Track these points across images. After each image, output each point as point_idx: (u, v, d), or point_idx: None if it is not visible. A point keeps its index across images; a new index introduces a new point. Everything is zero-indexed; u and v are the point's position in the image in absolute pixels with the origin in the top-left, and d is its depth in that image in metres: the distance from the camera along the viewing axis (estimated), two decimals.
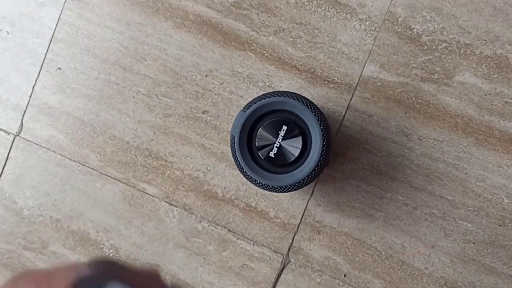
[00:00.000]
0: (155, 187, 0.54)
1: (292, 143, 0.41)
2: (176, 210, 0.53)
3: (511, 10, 0.48)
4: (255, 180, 0.41)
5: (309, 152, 0.41)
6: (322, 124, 0.41)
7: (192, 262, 0.53)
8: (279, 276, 0.51)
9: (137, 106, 0.54)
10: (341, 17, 0.50)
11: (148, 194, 0.54)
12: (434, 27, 0.49)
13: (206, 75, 0.52)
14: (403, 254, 0.49)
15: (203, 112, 0.52)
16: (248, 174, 0.41)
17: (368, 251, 0.50)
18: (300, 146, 0.41)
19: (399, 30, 0.49)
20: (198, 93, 0.52)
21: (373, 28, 0.50)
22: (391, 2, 0.49)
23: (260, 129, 0.42)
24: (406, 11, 0.49)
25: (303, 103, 0.41)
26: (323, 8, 0.51)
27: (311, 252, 0.51)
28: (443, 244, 0.48)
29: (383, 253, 0.50)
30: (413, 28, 0.49)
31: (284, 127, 0.41)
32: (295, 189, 0.41)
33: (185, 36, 0.53)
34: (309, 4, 0.50)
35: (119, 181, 0.55)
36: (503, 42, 0.48)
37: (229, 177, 0.51)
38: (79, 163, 0.54)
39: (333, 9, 0.50)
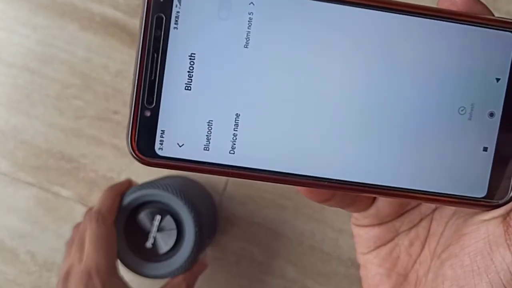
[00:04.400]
0: (69, 190, 0.54)
1: (167, 232, 0.44)
2: None
3: None
4: (136, 272, 0.44)
5: (184, 240, 0.44)
6: (194, 213, 0.43)
7: None
8: None
9: (46, 109, 0.53)
10: None
11: (63, 197, 0.54)
12: None
13: (116, 76, 0.53)
14: (313, 239, 0.52)
15: (114, 113, 0.53)
16: (128, 266, 0.44)
17: (280, 239, 0.52)
18: (176, 235, 0.44)
19: None
20: (109, 94, 0.53)
21: None
22: None
23: (134, 222, 0.44)
24: None
25: (173, 193, 0.43)
26: None
27: (226, 244, 0.53)
28: (348, 228, 0.51)
29: (294, 240, 0.52)
30: None
31: (158, 217, 0.43)
32: (175, 275, 0.44)
33: (92, 38, 0.53)
34: None
35: (32, 185, 0.54)
36: None
37: (142, 176, 0.51)
38: None
39: None
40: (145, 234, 0.43)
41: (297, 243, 0.53)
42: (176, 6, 0.20)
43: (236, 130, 0.21)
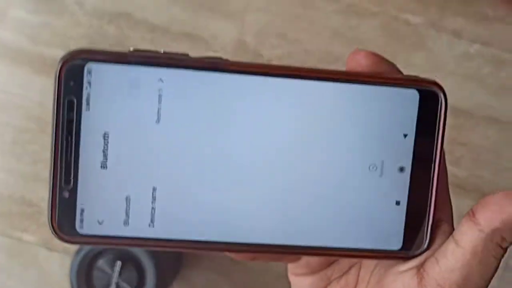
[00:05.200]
0: (32, 235, 0.54)
1: (128, 277, 0.44)
2: (57, 255, 0.54)
3: (347, 31, 0.52)
4: None
5: (146, 283, 0.44)
6: (152, 255, 0.44)
7: None
8: None
9: (4, 156, 0.53)
10: (195, 51, 0.52)
11: (26, 242, 0.54)
12: (282, 52, 0.53)
13: None
14: (281, 266, 0.52)
15: None
16: None
17: (248, 269, 0.53)
18: (137, 279, 0.44)
19: (251, 57, 0.52)
20: None
21: (227, 57, 0.52)
22: (241, 31, 0.52)
23: (94, 270, 0.44)
24: (255, 39, 0.53)
25: None
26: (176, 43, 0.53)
27: (194, 277, 0.53)
28: None
29: (258, 270, 0.53)
30: (263, 54, 0.53)
31: (119, 263, 0.44)
32: None
33: (45, 80, 0.53)
34: None
35: (19, 240, 0.54)
36: (343, 62, 0.52)
37: None
38: None
39: (188, 42, 0.53)
40: (107, 281, 0.43)
41: (261, 273, 0.53)
42: (87, 88, 0.20)
43: (154, 204, 0.21)
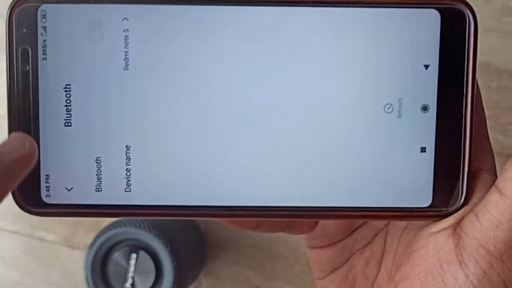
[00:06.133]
0: (53, 234, 0.52)
1: (145, 270, 0.41)
2: (79, 253, 0.52)
3: None
4: None
5: (163, 277, 0.41)
6: (170, 248, 0.41)
7: None
8: None
9: None
10: None
11: (48, 241, 0.52)
12: None
13: None
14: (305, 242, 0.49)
15: None
16: None
17: (276, 259, 0.49)
18: (154, 272, 0.41)
19: None
20: None
21: None
22: None
23: (110, 264, 0.42)
24: None
25: (146, 229, 0.41)
26: None
27: (219, 270, 0.50)
28: None
29: (290, 258, 0.49)
30: None
31: (134, 256, 0.41)
32: None
33: None
34: None
35: (16, 233, 0.53)
36: None
37: None
38: None
39: None
40: (123, 275, 0.41)
41: (294, 261, 0.50)
42: (42, 34, 0.17)
43: (129, 165, 0.18)
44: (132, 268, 0.40)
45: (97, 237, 0.43)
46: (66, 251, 0.54)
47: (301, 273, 0.52)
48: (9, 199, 0.58)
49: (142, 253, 0.41)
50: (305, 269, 0.52)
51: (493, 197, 0.17)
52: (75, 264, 0.56)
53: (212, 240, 0.52)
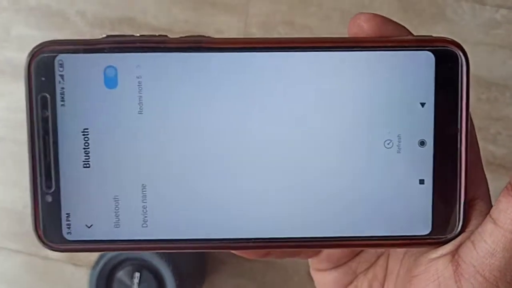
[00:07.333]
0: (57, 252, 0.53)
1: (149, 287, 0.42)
2: (83, 271, 0.52)
3: (359, 11, 0.50)
4: None
5: None
6: (172, 266, 0.42)
7: None
8: None
9: (21, 173, 0.53)
10: None
11: (52, 259, 0.53)
12: None
13: None
14: (309, 266, 0.50)
15: None
16: None
17: (276, 270, 0.50)
18: None
19: None
20: None
21: None
22: (246, 23, 0.50)
23: (114, 282, 0.43)
24: (260, 30, 0.50)
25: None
26: None
27: (221, 284, 0.51)
28: None
29: (290, 269, 0.50)
30: None
31: (137, 274, 0.42)
32: None
33: None
34: None
35: (19, 252, 0.53)
36: None
37: None
38: None
39: None
40: None
41: (293, 272, 0.51)
42: (60, 82, 0.18)
43: (145, 202, 0.19)
44: (135, 287, 0.42)
45: (101, 256, 0.44)
46: (71, 269, 0.55)
47: (301, 284, 0.53)
48: (9, 218, 0.59)
49: (145, 271, 0.42)
50: (304, 280, 0.53)
51: (488, 226, 0.18)
52: (79, 282, 0.56)
53: (212, 254, 0.54)
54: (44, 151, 0.19)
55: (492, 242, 0.17)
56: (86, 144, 0.19)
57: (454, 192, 0.19)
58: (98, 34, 0.54)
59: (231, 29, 0.51)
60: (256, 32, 0.51)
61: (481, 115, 0.51)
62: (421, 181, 0.19)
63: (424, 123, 0.19)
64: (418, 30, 0.51)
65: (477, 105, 0.50)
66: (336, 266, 0.23)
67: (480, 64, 0.51)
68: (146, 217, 0.19)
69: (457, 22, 0.51)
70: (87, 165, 0.19)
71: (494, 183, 0.52)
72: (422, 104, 0.19)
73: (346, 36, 0.19)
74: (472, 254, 0.18)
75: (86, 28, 0.52)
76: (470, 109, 0.19)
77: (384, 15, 0.20)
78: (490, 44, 0.52)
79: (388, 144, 0.19)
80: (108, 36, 0.18)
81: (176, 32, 0.52)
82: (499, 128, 0.51)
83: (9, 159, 0.52)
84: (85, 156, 0.19)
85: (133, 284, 0.41)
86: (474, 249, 0.18)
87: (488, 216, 0.18)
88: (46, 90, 0.18)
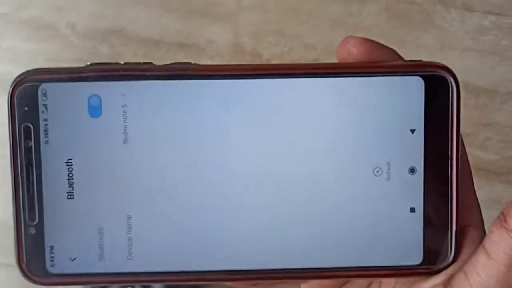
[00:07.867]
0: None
1: None
2: None
3: (348, 19, 0.49)
4: None
5: None
6: None
7: None
8: None
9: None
10: (191, 59, 0.50)
11: None
12: (281, 49, 0.50)
13: None
14: None
15: None
16: None
17: None
18: None
19: (249, 59, 0.50)
20: None
21: (224, 62, 0.50)
22: (236, 33, 0.50)
23: None
24: (251, 39, 0.50)
25: None
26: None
27: None
28: None
29: None
30: (262, 54, 0.50)
31: None
32: None
33: None
34: None
35: (9, 266, 0.53)
36: None
37: None
38: None
39: (183, 52, 0.50)
40: None
41: None
42: (43, 112, 0.18)
43: (131, 234, 0.19)
44: None
45: None
46: None
47: None
48: (2, 232, 0.57)
49: None
50: None
51: (481, 258, 0.17)
52: None
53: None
54: (27, 182, 0.18)
55: (485, 275, 0.17)
56: (70, 175, 0.18)
57: (445, 220, 0.19)
58: (89, 46, 0.54)
59: (222, 39, 0.50)
60: (247, 42, 0.50)
61: (468, 120, 0.51)
62: (412, 209, 0.19)
63: (414, 149, 0.19)
64: (407, 37, 0.51)
65: (465, 111, 0.50)
66: None
67: (469, 70, 0.51)
68: (131, 249, 0.19)
69: (446, 28, 0.51)
70: (71, 196, 0.18)
71: (486, 188, 0.52)
72: (412, 131, 0.19)
73: (335, 61, 0.19)
74: (464, 285, 0.18)
75: (77, 40, 0.52)
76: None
77: (373, 39, 0.20)
78: (479, 50, 0.52)
79: (377, 171, 0.19)
80: (92, 64, 0.18)
81: (166, 42, 0.51)
82: (489, 134, 0.51)
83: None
84: (69, 187, 0.18)
85: None
86: (467, 282, 0.18)
87: (481, 246, 0.18)
88: (29, 120, 0.18)
